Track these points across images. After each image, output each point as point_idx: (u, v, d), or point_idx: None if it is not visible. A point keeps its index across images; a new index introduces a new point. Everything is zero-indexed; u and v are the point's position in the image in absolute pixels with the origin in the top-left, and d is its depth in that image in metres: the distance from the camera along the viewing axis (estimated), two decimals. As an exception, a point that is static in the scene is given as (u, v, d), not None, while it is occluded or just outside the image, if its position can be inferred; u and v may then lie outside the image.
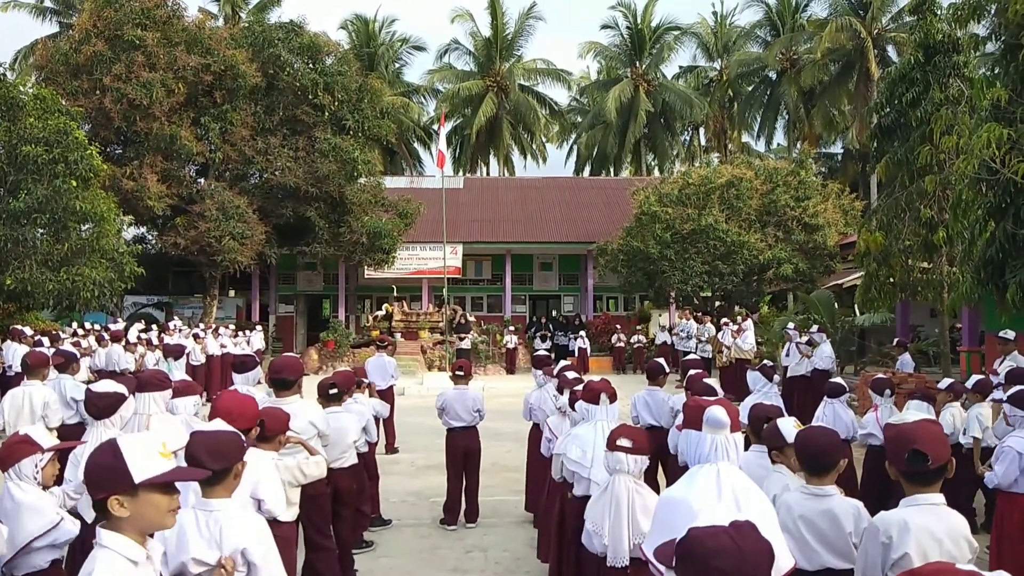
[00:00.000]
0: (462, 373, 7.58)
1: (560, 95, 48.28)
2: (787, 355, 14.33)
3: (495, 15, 40.10)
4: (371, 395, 8.18)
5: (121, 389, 4.61)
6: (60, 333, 15.46)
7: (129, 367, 13.68)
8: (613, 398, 4.87)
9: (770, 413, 4.28)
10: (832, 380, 7.67)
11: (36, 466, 3.56)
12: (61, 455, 3.88)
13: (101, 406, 4.47)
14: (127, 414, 4.64)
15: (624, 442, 3.80)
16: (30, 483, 3.54)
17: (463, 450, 7.43)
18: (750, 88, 41.67)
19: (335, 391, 5.90)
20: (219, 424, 3.09)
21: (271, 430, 3.90)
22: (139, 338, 15.58)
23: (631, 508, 3.74)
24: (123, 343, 14.47)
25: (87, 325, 17.75)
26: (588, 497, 4.62)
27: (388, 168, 37.82)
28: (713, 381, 6.29)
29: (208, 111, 22.96)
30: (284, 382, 4.87)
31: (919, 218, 12.28)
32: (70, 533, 3.58)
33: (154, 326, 19.31)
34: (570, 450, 4.77)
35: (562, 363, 7.73)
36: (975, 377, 7.53)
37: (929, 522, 2.85)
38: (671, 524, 2.78)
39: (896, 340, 13.83)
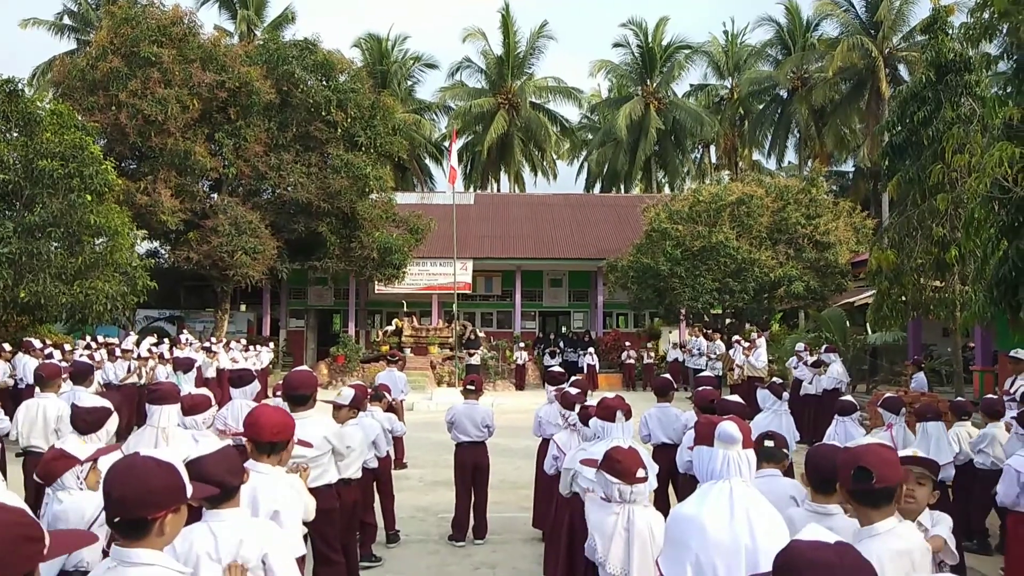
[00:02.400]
0: (473, 388, 7.58)
1: (571, 113, 48.65)
2: (796, 367, 14.38)
3: (507, 34, 40.39)
4: (392, 410, 8.17)
5: (107, 404, 4.64)
6: (67, 346, 15.52)
7: (136, 380, 13.77)
8: (628, 415, 4.81)
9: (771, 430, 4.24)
10: (843, 398, 7.63)
11: (78, 478, 3.59)
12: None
13: (90, 420, 4.48)
14: (112, 428, 4.65)
15: (643, 473, 3.71)
16: (74, 490, 3.59)
17: (472, 465, 7.41)
18: (761, 106, 41.74)
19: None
20: (216, 442, 3.07)
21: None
22: (150, 351, 15.66)
23: (654, 539, 3.64)
24: (135, 356, 14.54)
25: (99, 338, 17.84)
26: None
27: (399, 184, 37.99)
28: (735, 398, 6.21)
29: (222, 127, 23.17)
30: (300, 398, 4.81)
31: (931, 236, 12.24)
32: None
33: (166, 340, 19.38)
34: (584, 469, 4.71)
35: (573, 378, 7.73)
36: (987, 396, 7.48)
37: (895, 544, 2.77)
38: (683, 541, 2.77)
39: (914, 359, 13.76)
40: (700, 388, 6.45)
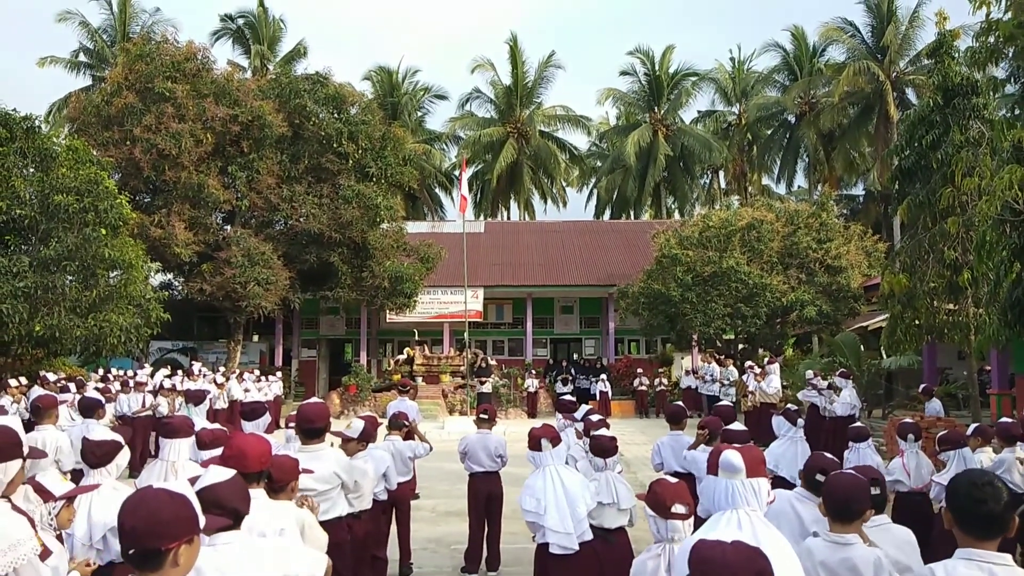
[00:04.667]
0: (486, 416, 7.51)
1: (580, 140, 49.11)
2: (810, 395, 14.27)
3: (515, 64, 40.83)
4: (414, 436, 8.09)
5: (118, 437, 4.62)
6: (84, 380, 15.63)
7: (151, 412, 13.80)
8: (555, 442, 5.01)
9: (827, 466, 4.03)
10: (855, 425, 7.56)
11: (49, 513, 3.53)
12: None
13: (99, 454, 4.45)
14: (123, 462, 4.64)
15: (679, 508, 3.38)
16: (44, 529, 3.51)
17: (485, 496, 7.34)
18: (769, 132, 41.85)
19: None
20: (221, 472, 3.03)
21: (280, 480, 3.69)
22: (173, 384, 15.70)
23: None
24: (157, 388, 14.62)
25: (113, 371, 17.95)
26: (547, 544, 4.79)
27: (410, 213, 38.25)
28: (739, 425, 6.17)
29: (235, 160, 23.45)
30: (313, 431, 4.75)
31: (943, 260, 12.18)
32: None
33: (179, 371, 19.47)
34: (524, 501, 4.87)
35: (584, 407, 7.69)
36: (1002, 420, 7.37)
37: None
38: (693, 572, 2.74)
39: (922, 387, 13.61)
40: (708, 419, 6.42)
